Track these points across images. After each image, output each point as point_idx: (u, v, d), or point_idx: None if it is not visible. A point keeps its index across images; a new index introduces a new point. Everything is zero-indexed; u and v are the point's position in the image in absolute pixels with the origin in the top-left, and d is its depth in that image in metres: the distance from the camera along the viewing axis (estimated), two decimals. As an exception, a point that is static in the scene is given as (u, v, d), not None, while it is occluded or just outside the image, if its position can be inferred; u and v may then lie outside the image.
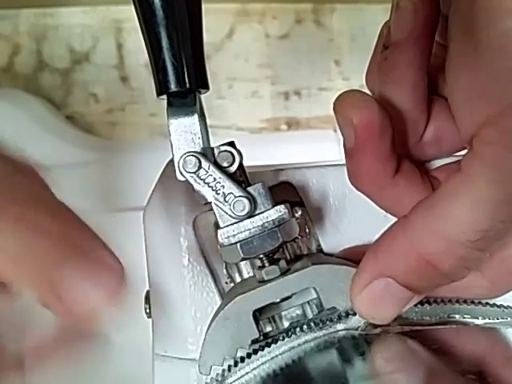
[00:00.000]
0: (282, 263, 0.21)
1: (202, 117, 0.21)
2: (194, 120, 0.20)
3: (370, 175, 0.20)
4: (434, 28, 0.19)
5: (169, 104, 0.20)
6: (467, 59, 0.17)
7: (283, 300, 0.22)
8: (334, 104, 0.19)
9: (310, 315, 0.22)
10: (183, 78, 0.20)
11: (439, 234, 0.17)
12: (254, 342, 0.21)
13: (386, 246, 0.19)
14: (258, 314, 0.21)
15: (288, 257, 0.23)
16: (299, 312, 0.22)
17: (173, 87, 0.19)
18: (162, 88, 0.20)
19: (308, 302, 0.22)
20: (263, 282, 0.21)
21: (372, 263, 0.19)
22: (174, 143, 0.20)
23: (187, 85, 0.20)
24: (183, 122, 0.20)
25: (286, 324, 0.22)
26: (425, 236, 0.17)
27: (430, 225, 0.17)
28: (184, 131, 0.20)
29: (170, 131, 0.20)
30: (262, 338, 0.23)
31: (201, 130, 0.20)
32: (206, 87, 0.21)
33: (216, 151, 0.20)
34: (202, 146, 0.20)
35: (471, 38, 0.16)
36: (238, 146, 0.21)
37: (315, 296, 0.21)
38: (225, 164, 0.20)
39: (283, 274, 0.21)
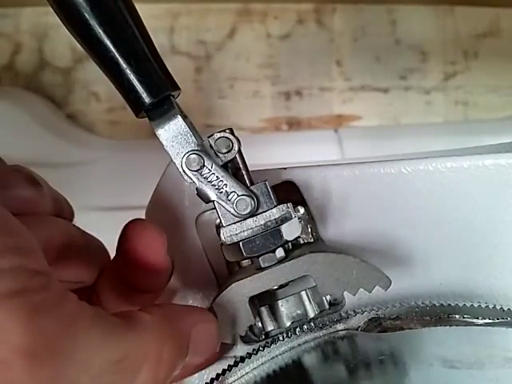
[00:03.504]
0: (280, 251, 0.21)
1: (185, 116, 0.21)
2: (179, 122, 0.20)
3: None
4: None
5: (150, 118, 0.20)
6: None
7: (280, 287, 0.21)
8: None
9: (311, 315, 0.22)
10: (153, 88, 0.19)
11: None
12: (250, 328, 0.21)
13: None
14: (256, 301, 0.21)
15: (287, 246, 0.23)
16: (300, 312, 0.22)
17: (147, 101, 0.19)
18: (138, 107, 0.20)
19: (310, 302, 0.22)
20: (260, 269, 0.20)
21: None
22: (170, 151, 0.20)
23: (160, 93, 0.20)
24: (170, 128, 0.20)
25: (288, 323, 0.22)
26: None
27: None
28: (174, 136, 0.20)
29: (161, 142, 0.20)
30: (263, 337, 0.23)
31: (189, 128, 0.20)
32: (177, 88, 0.20)
33: (212, 141, 0.20)
34: (196, 142, 0.20)
35: None
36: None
37: (313, 284, 0.21)
38: (224, 150, 0.20)
39: (280, 261, 0.20)
